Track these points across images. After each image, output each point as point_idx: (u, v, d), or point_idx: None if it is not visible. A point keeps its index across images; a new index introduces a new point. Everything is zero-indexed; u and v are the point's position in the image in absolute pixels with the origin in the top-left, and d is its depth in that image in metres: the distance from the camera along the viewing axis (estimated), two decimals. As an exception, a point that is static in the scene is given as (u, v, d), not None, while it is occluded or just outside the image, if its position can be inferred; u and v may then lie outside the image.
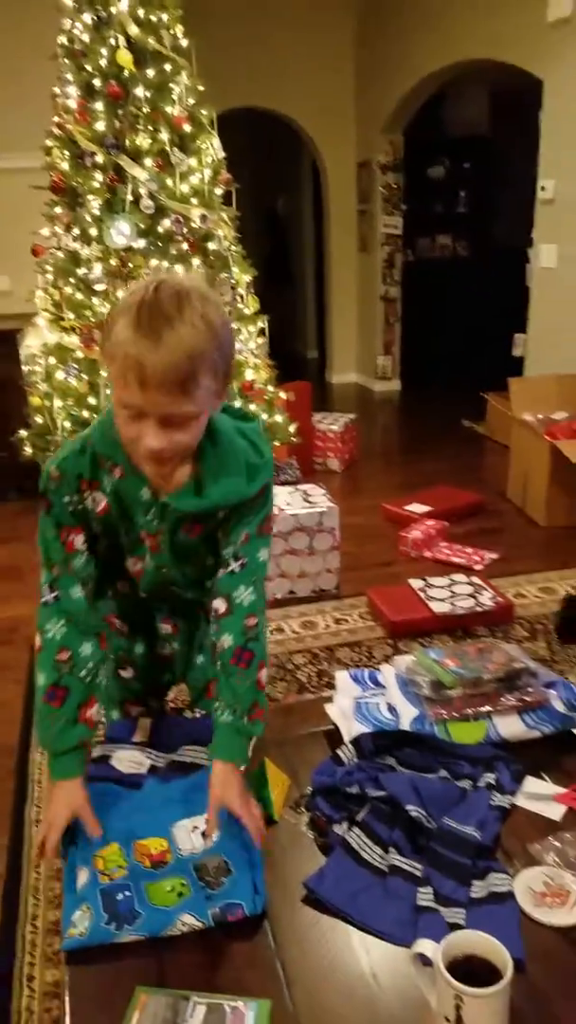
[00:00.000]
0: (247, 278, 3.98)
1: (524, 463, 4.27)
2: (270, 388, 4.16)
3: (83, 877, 1.14)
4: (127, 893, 1.10)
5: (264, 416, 4.08)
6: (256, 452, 1.29)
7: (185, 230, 3.63)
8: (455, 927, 1.00)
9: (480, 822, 1.17)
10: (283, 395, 4.28)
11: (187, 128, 3.65)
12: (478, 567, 3.59)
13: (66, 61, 3.64)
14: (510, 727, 1.39)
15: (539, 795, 1.25)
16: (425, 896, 1.07)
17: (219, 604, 1.33)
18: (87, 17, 3.53)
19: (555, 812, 1.22)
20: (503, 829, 1.19)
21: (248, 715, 1.28)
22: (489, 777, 1.28)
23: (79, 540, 1.31)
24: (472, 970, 0.85)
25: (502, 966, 0.84)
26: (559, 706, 1.43)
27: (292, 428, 4.28)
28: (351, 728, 1.42)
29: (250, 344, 4.04)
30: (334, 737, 1.43)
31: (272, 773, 1.32)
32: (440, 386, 7.40)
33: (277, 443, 4.24)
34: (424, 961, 0.89)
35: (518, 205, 5.91)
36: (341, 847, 1.16)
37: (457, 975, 0.83)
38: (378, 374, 7.52)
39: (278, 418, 4.19)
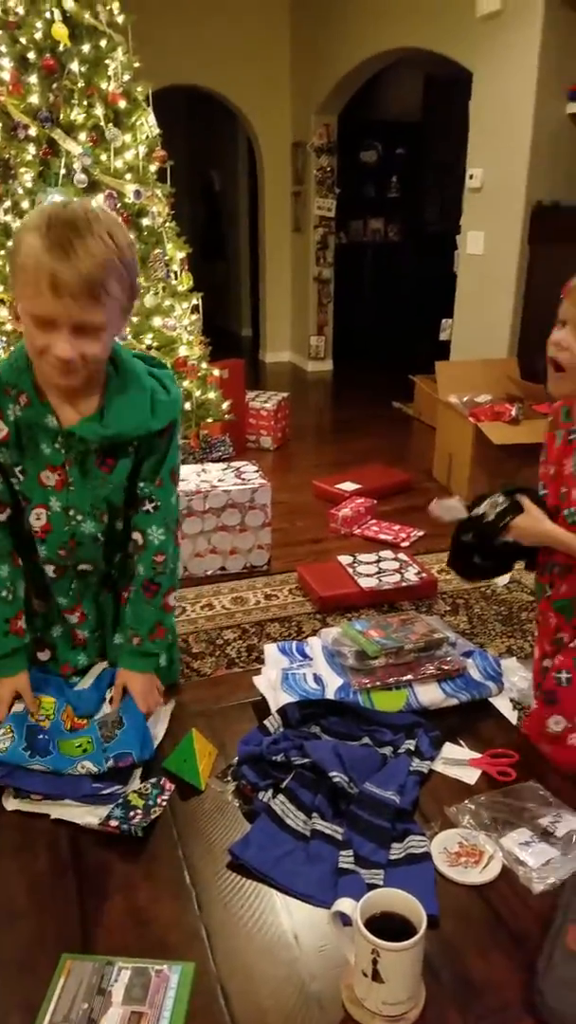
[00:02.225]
0: (181, 255, 3.95)
1: (449, 444, 4.37)
2: (203, 365, 4.15)
3: (17, 707, 1.37)
4: (45, 736, 1.33)
5: (197, 393, 4.07)
6: (163, 390, 1.37)
7: (119, 205, 3.58)
8: (373, 887, 1.04)
9: (400, 787, 1.21)
10: (216, 372, 4.27)
11: (122, 104, 3.60)
12: (405, 544, 3.66)
13: (0, 32, 3.55)
14: (429, 695, 1.44)
15: (456, 760, 1.30)
16: (346, 858, 1.10)
17: (136, 537, 1.47)
18: (22, -11, 3.45)
19: (471, 776, 1.27)
20: (422, 793, 1.24)
21: (150, 635, 1.48)
22: (409, 744, 1.32)
23: None
24: (389, 926, 0.88)
25: (417, 921, 0.88)
26: (476, 675, 1.49)
27: (225, 405, 4.28)
28: (278, 698, 1.44)
29: (184, 321, 4.01)
30: (261, 708, 1.46)
31: (199, 743, 1.34)
32: (371, 367, 7.47)
33: (210, 420, 4.23)
34: (344, 920, 0.92)
35: (448, 192, 5.98)
36: (265, 813, 1.19)
37: (374, 931, 0.86)
38: (311, 354, 7.55)
39: (211, 395, 4.18)
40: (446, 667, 1.47)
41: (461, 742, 1.36)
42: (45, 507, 1.40)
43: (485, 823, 1.15)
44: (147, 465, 1.41)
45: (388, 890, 0.93)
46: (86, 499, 1.40)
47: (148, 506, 1.44)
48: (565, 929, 0.96)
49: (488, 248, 4.81)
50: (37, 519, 1.41)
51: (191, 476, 3.38)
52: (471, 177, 4.87)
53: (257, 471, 3.52)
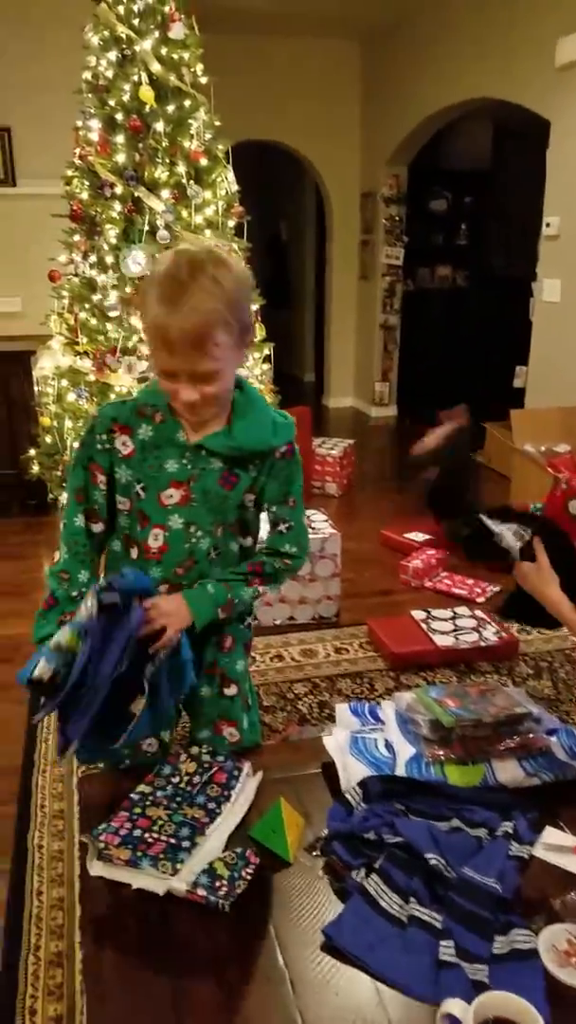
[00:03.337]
0: (255, 307, 4.01)
1: (525, 494, 4.29)
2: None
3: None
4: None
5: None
6: (281, 415, 1.48)
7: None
8: (478, 985, 1.00)
9: (499, 873, 1.16)
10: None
11: (203, 162, 3.72)
12: (480, 599, 3.59)
13: (90, 96, 3.76)
14: (508, 772, 1.39)
15: (559, 846, 1.24)
16: (447, 950, 1.06)
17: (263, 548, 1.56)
18: (112, 55, 3.65)
19: None
20: (522, 881, 1.19)
21: (229, 594, 1.48)
22: (506, 826, 1.27)
23: (100, 475, 1.46)
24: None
25: (530, 1028, 0.84)
26: (560, 753, 1.43)
27: (295, 453, 4.30)
28: (346, 763, 1.41)
29: (255, 370, 4.07)
30: (331, 771, 1.43)
31: (287, 814, 1.31)
32: (437, 414, 7.42)
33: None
34: (452, 1021, 0.88)
35: (516, 238, 5.98)
36: (359, 894, 1.16)
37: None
38: (375, 400, 7.56)
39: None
40: (527, 744, 1.42)
41: (563, 826, 1.30)
42: (163, 527, 1.46)
43: (594, 918, 1.10)
44: (273, 487, 1.50)
45: (502, 993, 0.89)
46: (207, 516, 1.46)
47: (281, 527, 1.53)
48: None
49: (565, 295, 4.78)
50: (155, 539, 1.47)
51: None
52: (548, 225, 4.86)
53: (326, 520, 3.50)
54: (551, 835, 1.27)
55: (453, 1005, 0.88)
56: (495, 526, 1.62)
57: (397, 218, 7.00)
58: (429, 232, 7.65)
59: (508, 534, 1.60)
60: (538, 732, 1.45)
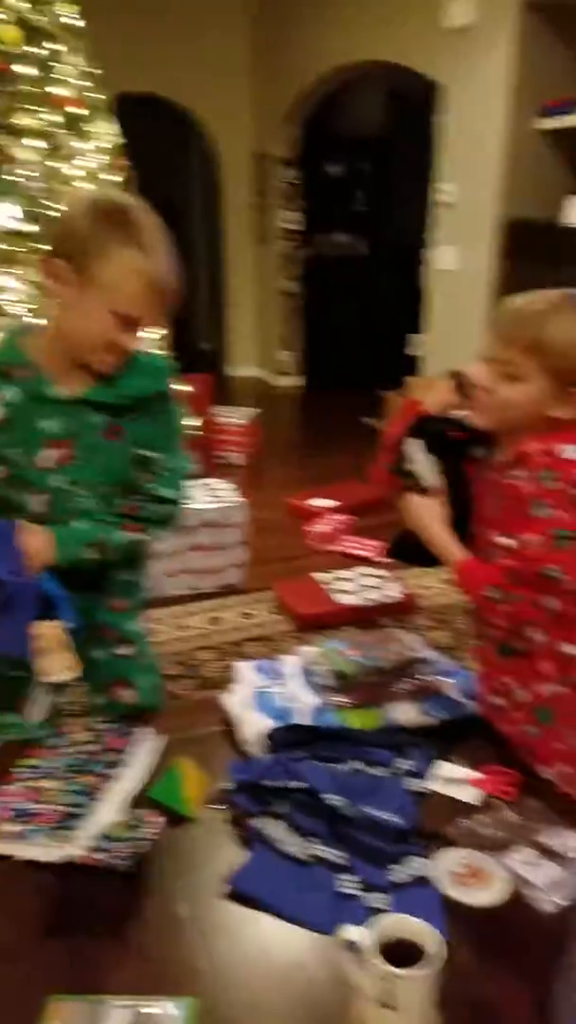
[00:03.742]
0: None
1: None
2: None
3: None
4: None
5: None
6: (157, 359, 1.48)
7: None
8: (379, 912, 1.01)
9: (398, 807, 1.19)
10: (184, 388, 4.23)
11: (77, 110, 3.53)
12: (382, 559, 3.65)
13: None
14: (406, 714, 1.43)
15: (454, 779, 1.28)
16: (347, 883, 1.08)
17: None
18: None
19: (470, 795, 1.25)
20: (420, 813, 1.21)
21: (100, 535, 1.40)
22: (405, 764, 1.30)
23: None
24: (400, 953, 0.86)
25: (431, 948, 0.85)
26: (454, 694, 1.48)
27: (194, 422, 4.23)
28: (251, 719, 1.42)
29: (147, 336, 3.97)
30: (233, 729, 1.43)
31: (188, 771, 1.30)
32: (340, 382, 7.47)
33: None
34: (353, 947, 0.89)
35: (413, 206, 6.03)
36: (263, 841, 1.16)
37: (386, 958, 0.84)
38: (279, 369, 7.53)
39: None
40: (422, 686, 1.47)
41: (454, 760, 1.34)
42: (44, 491, 1.40)
43: (487, 843, 1.13)
44: (151, 430, 1.43)
45: (399, 916, 0.90)
46: (93, 474, 1.41)
47: (158, 469, 1.45)
48: (578, 950, 0.94)
49: (460, 263, 4.84)
50: (38, 504, 1.40)
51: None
52: (441, 192, 4.88)
53: (231, 488, 3.49)
54: (446, 769, 1.30)
55: (352, 931, 0.89)
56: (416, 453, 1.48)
57: (293, 181, 6.93)
58: (326, 197, 7.62)
59: (424, 466, 1.47)
60: (432, 674, 1.50)
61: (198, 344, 9.45)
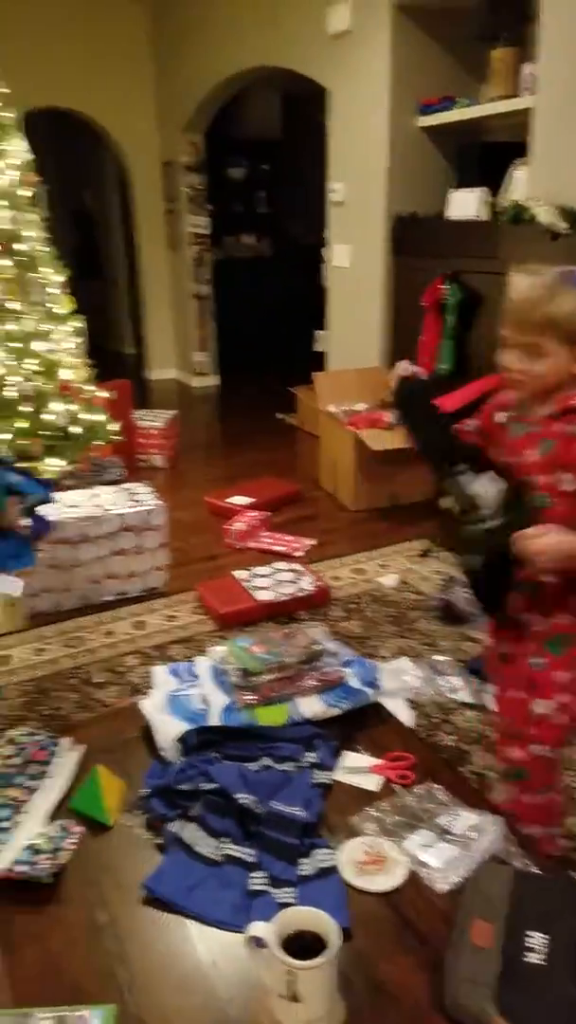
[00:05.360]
0: (60, 278, 3.87)
1: (332, 452, 4.48)
2: (89, 387, 4.07)
3: None
4: None
5: (85, 415, 3.99)
6: None
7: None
8: (287, 906, 1.06)
9: (305, 801, 1.24)
10: (103, 394, 4.21)
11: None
12: (298, 554, 3.71)
13: None
14: (311, 707, 1.47)
15: (357, 768, 1.34)
16: (257, 880, 1.12)
17: None
18: None
19: (373, 783, 1.31)
20: (327, 805, 1.27)
21: None
22: (310, 756, 1.35)
23: None
24: (304, 944, 0.90)
25: (327, 937, 0.90)
26: (355, 683, 1.53)
27: (114, 427, 4.21)
28: (164, 722, 1.45)
29: (64, 344, 3.93)
30: (151, 734, 1.46)
31: (105, 780, 1.33)
32: (254, 380, 7.54)
33: (100, 443, 4.16)
34: (259, 943, 0.94)
35: (312, 206, 6.12)
36: (176, 843, 1.20)
37: (291, 951, 0.88)
38: (196, 370, 7.55)
39: (100, 417, 4.11)
40: (325, 678, 1.51)
41: (360, 749, 1.40)
42: None
43: (388, 829, 1.19)
44: None
45: (299, 908, 0.95)
46: None
47: None
48: (468, 925, 1.00)
49: (354, 260, 4.93)
50: None
51: (83, 501, 3.32)
52: (333, 191, 4.98)
53: (150, 492, 3.49)
54: (350, 759, 1.36)
55: (257, 927, 0.93)
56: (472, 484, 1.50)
57: (199, 186, 6.96)
58: (230, 201, 7.70)
59: (480, 490, 1.49)
60: (334, 665, 1.55)
61: (121, 349, 9.38)
